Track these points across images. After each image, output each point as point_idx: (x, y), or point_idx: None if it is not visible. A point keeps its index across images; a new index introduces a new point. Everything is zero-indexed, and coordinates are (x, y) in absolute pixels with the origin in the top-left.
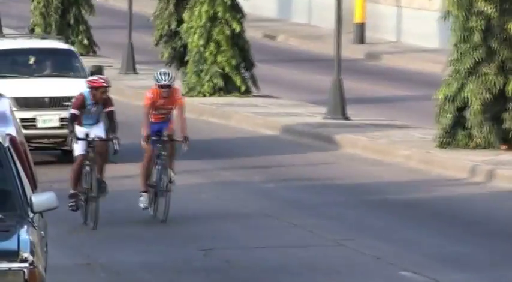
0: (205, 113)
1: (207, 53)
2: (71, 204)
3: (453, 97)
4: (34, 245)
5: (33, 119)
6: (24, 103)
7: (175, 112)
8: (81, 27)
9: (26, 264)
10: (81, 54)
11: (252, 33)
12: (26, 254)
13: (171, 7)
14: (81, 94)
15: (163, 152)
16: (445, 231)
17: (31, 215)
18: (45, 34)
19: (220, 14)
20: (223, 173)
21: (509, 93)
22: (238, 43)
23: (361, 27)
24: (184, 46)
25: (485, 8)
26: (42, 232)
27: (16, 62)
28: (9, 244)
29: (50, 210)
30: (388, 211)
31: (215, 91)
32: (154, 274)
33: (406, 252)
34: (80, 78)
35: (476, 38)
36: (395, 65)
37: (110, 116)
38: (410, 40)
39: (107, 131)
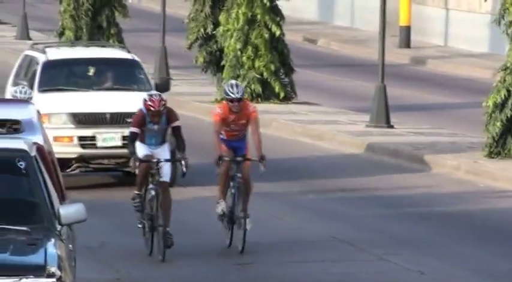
0: None
1: (244, 58)
2: (136, 204)
3: (503, 104)
4: (62, 259)
5: (93, 138)
6: (82, 119)
7: (249, 128)
8: (112, 30)
9: (54, 280)
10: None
11: (292, 37)
12: (53, 269)
13: (207, 9)
14: (141, 110)
15: (238, 174)
16: (494, 246)
17: (59, 227)
18: (104, 41)
19: (258, 17)
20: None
21: None
22: (277, 47)
23: (406, 31)
24: (220, 50)
25: None
26: (71, 245)
27: (74, 73)
28: (36, 258)
29: (78, 222)
30: (435, 224)
31: (253, 97)
32: None
33: (452, 268)
34: (144, 92)
35: None
36: (442, 70)
37: (176, 133)
38: (458, 44)
39: (173, 151)
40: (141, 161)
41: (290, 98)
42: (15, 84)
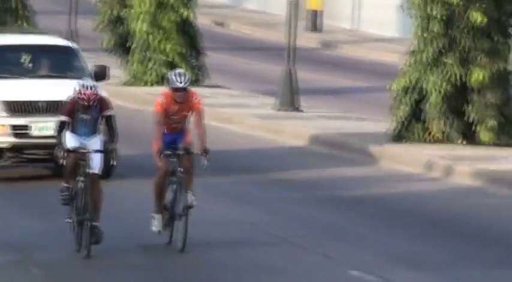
0: (150, 103)
1: (152, 40)
2: (63, 197)
3: (410, 88)
4: None
5: (27, 127)
6: (16, 108)
7: (192, 119)
8: (22, 12)
9: None
10: None
11: (202, 20)
12: None
13: None
14: (72, 98)
15: (179, 168)
16: (399, 229)
17: None
18: (36, 29)
19: None
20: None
21: (472, 85)
22: (187, 30)
23: (315, 14)
24: (129, 33)
25: None
26: None
27: (7, 60)
28: None
29: None
30: (341, 208)
31: (159, 80)
32: None
33: (357, 251)
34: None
35: (437, 27)
36: (352, 54)
37: (109, 122)
38: (369, 28)
39: (105, 142)
40: (68, 151)
41: (199, 80)
42: None
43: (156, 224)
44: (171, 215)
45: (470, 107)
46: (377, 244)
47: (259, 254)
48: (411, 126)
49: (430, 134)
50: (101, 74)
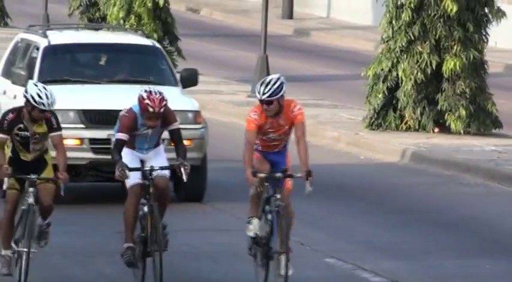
0: None
1: (127, 26)
2: (127, 257)
3: (384, 77)
4: None
5: (107, 141)
6: (94, 118)
7: (293, 135)
8: None
9: None
10: None
11: (175, 6)
12: None
13: None
14: (131, 111)
15: (276, 196)
16: (376, 218)
17: None
18: (116, 25)
19: None
20: None
21: (445, 73)
22: (161, 16)
23: (290, 2)
24: (102, 18)
25: None
26: None
27: (81, 62)
28: None
29: None
30: (315, 196)
31: None
32: None
33: (333, 239)
34: (168, 86)
35: (407, 15)
36: (325, 42)
37: (176, 136)
38: (341, 16)
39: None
40: (129, 169)
41: (175, 65)
42: (6, 74)
43: (253, 228)
44: (266, 252)
45: (443, 95)
46: (353, 233)
47: (229, 239)
48: (386, 115)
49: (404, 122)
50: (189, 79)
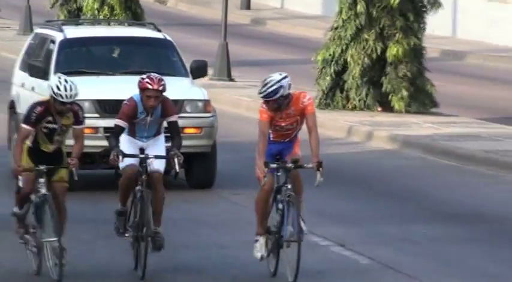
0: None
1: (101, 16)
2: (116, 226)
3: (334, 61)
4: None
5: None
6: (108, 108)
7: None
8: None
9: None
10: None
11: None
12: None
13: None
14: (131, 99)
15: (287, 185)
16: (326, 190)
17: None
18: (130, 20)
19: None
20: None
21: (389, 58)
22: (131, 7)
23: None
24: (79, 9)
25: None
26: None
27: (96, 54)
28: None
29: None
30: None
31: None
32: None
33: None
34: (179, 77)
35: (360, 6)
36: (279, 30)
37: (173, 128)
38: (294, 7)
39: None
40: (124, 155)
41: None
42: (24, 67)
43: (258, 248)
44: (276, 241)
45: (386, 78)
46: (306, 203)
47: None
48: (334, 95)
49: (350, 102)
50: (199, 70)
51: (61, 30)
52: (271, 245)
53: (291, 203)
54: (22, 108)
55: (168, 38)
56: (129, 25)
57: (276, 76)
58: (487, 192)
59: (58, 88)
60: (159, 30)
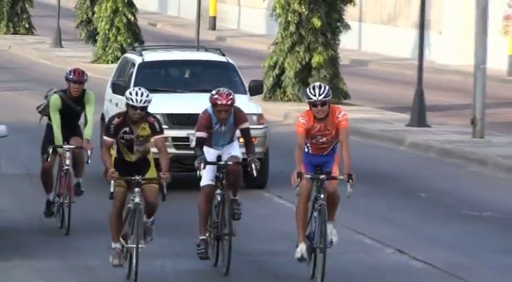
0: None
1: (110, 35)
2: (200, 251)
3: (275, 66)
4: None
5: (187, 139)
6: (177, 120)
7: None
8: (24, 15)
9: None
10: (24, 34)
11: (141, 22)
12: None
13: (88, 2)
14: (206, 111)
15: (320, 195)
16: (272, 162)
17: None
18: (199, 46)
19: (120, 8)
20: None
21: (314, 64)
22: (132, 28)
23: (213, 19)
24: (95, 29)
25: (298, 8)
26: None
27: (169, 74)
28: None
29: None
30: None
31: (115, 59)
32: None
33: None
34: (239, 94)
35: (292, 27)
36: (236, 45)
37: (246, 135)
38: (246, 28)
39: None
40: (206, 162)
41: None
42: (113, 86)
43: (298, 251)
44: (311, 246)
45: (312, 78)
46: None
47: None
48: (275, 91)
49: (286, 95)
50: (256, 89)
51: (141, 55)
52: (308, 250)
53: (322, 212)
54: None
55: (231, 61)
56: (198, 50)
57: (318, 82)
58: (385, 159)
59: (130, 93)
60: (224, 55)
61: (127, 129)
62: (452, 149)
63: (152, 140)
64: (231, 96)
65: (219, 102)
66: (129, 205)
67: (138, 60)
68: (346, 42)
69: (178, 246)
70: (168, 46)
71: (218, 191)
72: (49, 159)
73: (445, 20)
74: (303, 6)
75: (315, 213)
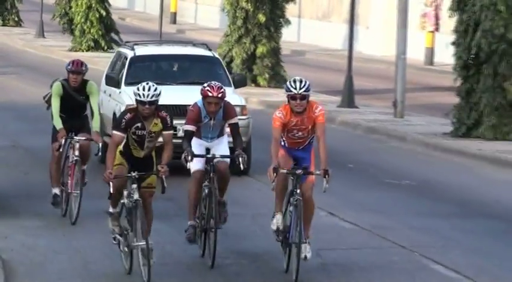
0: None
1: (85, 27)
2: (187, 236)
3: (225, 56)
4: None
5: (175, 128)
6: (166, 111)
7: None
8: (14, 10)
9: None
10: (12, 26)
11: (113, 16)
12: None
13: None
14: (195, 105)
15: (296, 191)
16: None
17: None
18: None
19: (93, 4)
20: None
21: (258, 54)
22: (105, 22)
23: (174, 14)
24: (71, 20)
25: (245, 5)
26: None
27: (159, 68)
28: None
29: None
30: None
31: (89, 49)
32: None
33: None
34: (224, 87)
35: (239, 22)
36: (193, 36)
37: (234, 130)
38: (202, 22)
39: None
40: (194, 155)
41: (111, 48)
42: (106, 78)
43: (274, 222)
44: (286, 240)
45: (256, 66)
46: None
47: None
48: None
49: None
50: (240, 82)
51: (132, 49)
52: (283, 245)
53: (298, 207)
54: (104, 109)
55: (216, 56)
56: (186, 45)
57: (298, 76)
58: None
59: (138, 89)
60: (210, 50)
61: (139, 124)
62: (376, 127)
63: (162, 134)
64: (221, 90)
65: (210, 94)
66: (123, 201)
67: (130, 54)
68: (287, 35)
69: (170, 232)
70: (157, 41)
71: (206, 183)
72: (61, 150)
73: (371, 17)
74: (249, 4)
75: (291, 208)
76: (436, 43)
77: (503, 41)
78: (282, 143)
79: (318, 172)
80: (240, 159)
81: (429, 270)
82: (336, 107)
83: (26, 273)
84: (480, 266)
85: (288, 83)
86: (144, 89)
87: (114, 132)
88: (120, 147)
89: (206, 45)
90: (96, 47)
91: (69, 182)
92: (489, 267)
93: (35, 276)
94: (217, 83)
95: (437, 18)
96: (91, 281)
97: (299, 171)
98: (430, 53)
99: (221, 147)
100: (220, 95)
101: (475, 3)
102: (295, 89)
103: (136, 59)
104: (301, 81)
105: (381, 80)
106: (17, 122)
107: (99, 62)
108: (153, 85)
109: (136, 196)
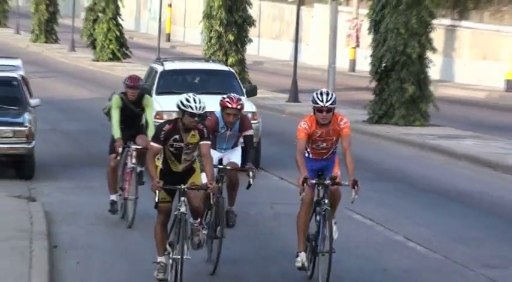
0: (105, 69)
1: (105, 44)
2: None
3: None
4: (31, 121)
5: None
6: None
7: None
8: (53, 31)
9: (27, 128)
10: (52, 43)
11: (125, 36)
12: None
13: (91, 24)
14: (213, 115)
15: (324, 200)
16: None
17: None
18: (207, 58)
19: (111, 27)
20: None
21: (230, 64)
22: (120, 40)
23: (169, 35)
24: (95, 39)
25: (218, 28)
26: (35, 116)
27: (184, 80)
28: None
29: (37, 106)
30: None
31: (109, 59)
32: None
33: None
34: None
35: (214, 41)
36: (183, 51)
37: (248, 142)
38: (189, 40)
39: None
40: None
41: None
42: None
43: (299, 260)
44: (313, 248)
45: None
46: None
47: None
48: None
49: None
50: (251, 91)
51: (162, 64)
52: (308, 252)
53: (327, 217)
54: None
55: (231, 70)
56: (206, 61)
57: (324, 88)
58: (272, 122)
59: (188, 101)
60: (227, 65)
61: (177, 136)
62: None
63: (199, 145)
64: (240, 102)
65: (229, 106)
66: (175, 213)
67: (160, 68)
68: (250, 50)
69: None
70: (182, 58)
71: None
72: (118, 158)
73: (310, 37)
74: (221, 27)
75: (318, 217)
76: (357, 56)
77: (403, 55)
78: (306, 154)
79: (346, 183)
80: (250, 173)
81: (352, 219)
82: (285, 102)
83: (62, 221)
84: (388, 215)
85: (314, 95)
86: (195, 101)
87: (153, 143)
88: (160, 165)
89: (223, 61)
90: (114, 58)
91: (126, 187)
92: (395, 217)
93: (69, 222)
94: (236, 95)
95: (358, 37)
96: (112, 224)
97: (327, 182)
98: (353, 63)
99: (233, 154)
100: (239, 107)
101: (384, 27)
102: (322, 101)
103: (165, 73)
104: (327, 94)
105: (317, 82)
106: (55, 112)
107: (115, 69)
108: (197, 97)
109: (183, 209)
